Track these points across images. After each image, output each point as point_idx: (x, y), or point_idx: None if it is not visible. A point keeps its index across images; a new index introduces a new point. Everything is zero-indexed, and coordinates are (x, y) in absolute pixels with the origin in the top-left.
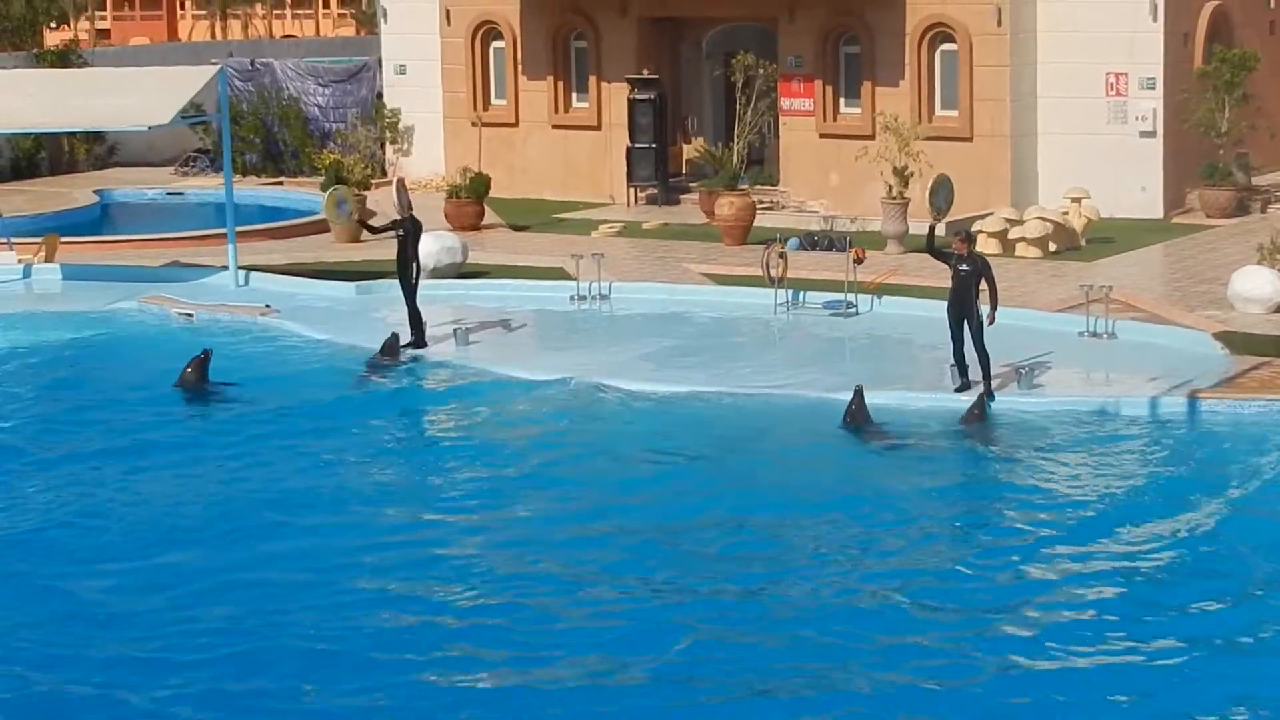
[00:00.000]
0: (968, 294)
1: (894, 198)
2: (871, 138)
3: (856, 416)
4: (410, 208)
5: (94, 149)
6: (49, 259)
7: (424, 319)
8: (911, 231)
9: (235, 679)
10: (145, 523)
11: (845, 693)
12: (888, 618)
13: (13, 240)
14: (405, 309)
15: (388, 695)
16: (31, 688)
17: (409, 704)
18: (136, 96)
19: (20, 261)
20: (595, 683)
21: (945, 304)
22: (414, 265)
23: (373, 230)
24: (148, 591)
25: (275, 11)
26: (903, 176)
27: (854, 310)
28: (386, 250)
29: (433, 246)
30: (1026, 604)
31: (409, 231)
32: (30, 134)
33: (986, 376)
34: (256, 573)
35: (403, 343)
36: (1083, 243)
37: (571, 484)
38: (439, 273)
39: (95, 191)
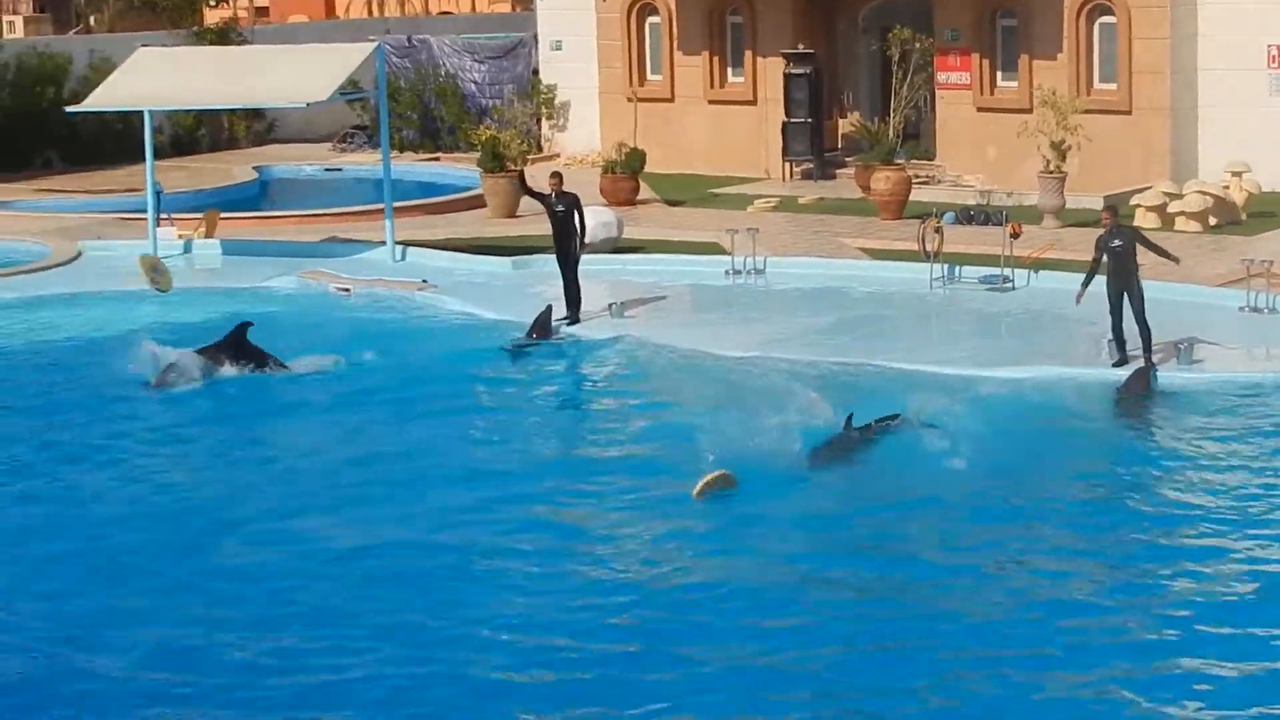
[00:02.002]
0: (1125, 268)
1: (1051, 172)
2: (1029, 111)
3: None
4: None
5: (253, 126)
6: (209, 234)
7: (581, 294)
8: (1069, 206)
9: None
10: (306, 492)
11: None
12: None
13: (173, 216)
14: (562, 284)
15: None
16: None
17: None
18: (295, 74)
19: (181, 237)
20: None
21: (1103, 279)
22: (574, 240)
23: (530, 193)
24: (337, 559)
25: None
26: (1060, 151)
27: (1010, 285)
28: (543, 225)
29: (589, 222)
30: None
31: (567, 207)
32: (191, 111)
33: (1148, 350)
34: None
35: (557, 317)
36: (1243, 217)
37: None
38: (594, 248)
39: (254, 168)
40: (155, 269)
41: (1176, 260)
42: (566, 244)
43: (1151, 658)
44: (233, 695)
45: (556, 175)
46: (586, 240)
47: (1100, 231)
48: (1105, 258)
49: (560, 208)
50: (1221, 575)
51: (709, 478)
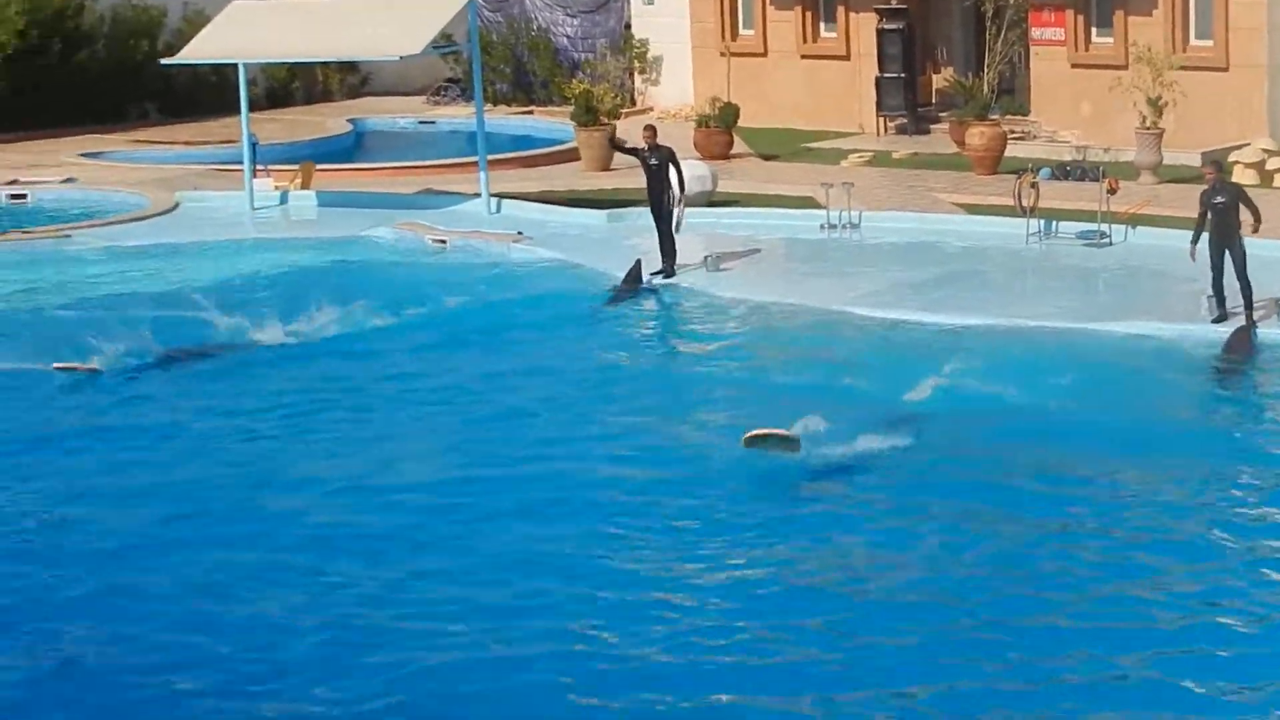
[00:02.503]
0: (1228, 225)
1: (1148, 128)
2: (1124, 68)
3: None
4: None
5: (347, 79)
6: (305, 186)
7: (676, 247)
8: (1165, 162)
9: None
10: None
11: None
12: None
13: (269, 167)
14: (657, 237)
15: None
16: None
17: None
18: (388, 27)
19: (277, 188)
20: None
21: (1206, 235)
22: (668, 193)
23: (623, 150)
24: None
25: None
26: (1156, 107)
27: (1107, 241)
28: (638, 179)
29: (684, 175)
30: None
31: (660, 160)
32: (285, 64)
33: (1249, 307)
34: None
35: (652, 270)
36: None
37: (832, 414)
38: (689, 201)
39: (349, 120)
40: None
41: (1256, 227)
42: (660, 197)
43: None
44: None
45: (650, 128)
46: (683, 194)
47: (1204, 187)
48: (1208, 214)
49: (654, 161)
50: None
51: (767, 433)
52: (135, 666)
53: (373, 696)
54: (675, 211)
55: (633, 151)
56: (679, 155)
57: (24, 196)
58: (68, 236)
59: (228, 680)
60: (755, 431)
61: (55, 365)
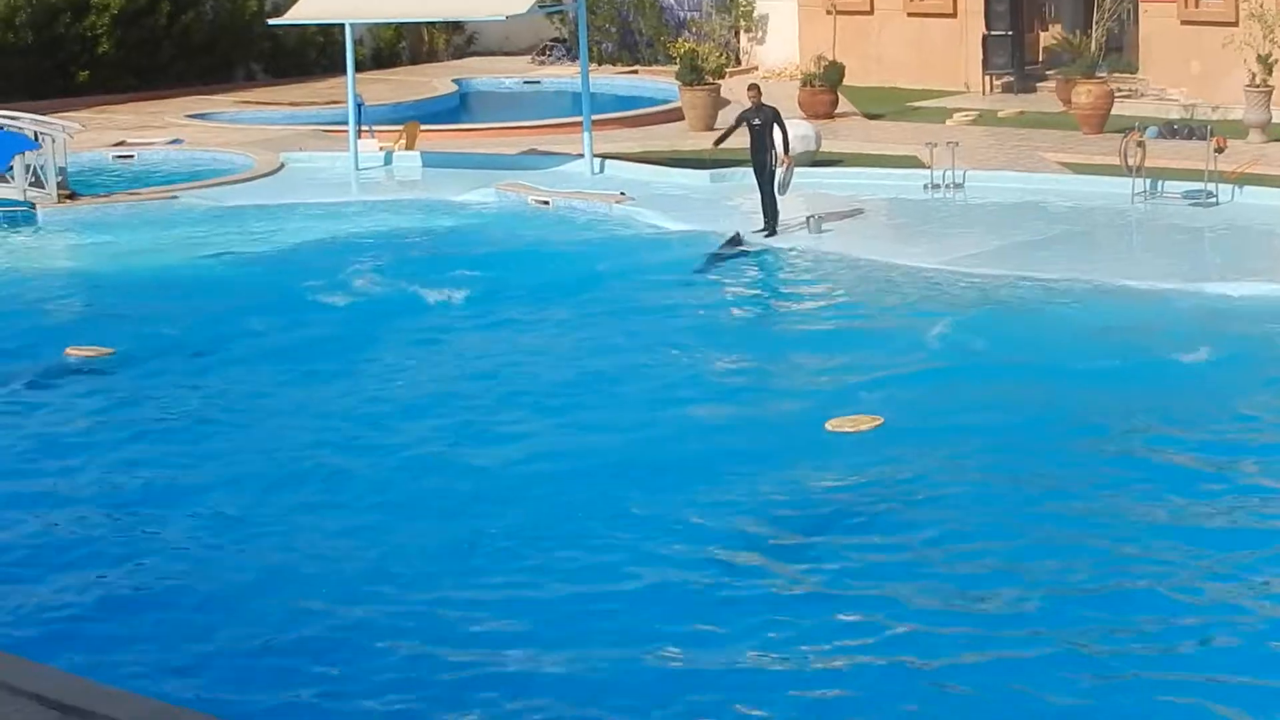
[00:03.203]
0: None
1: (1258, 86)
2: (1235, 25)
3: None
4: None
5: (453, 39)
6: (409, 146)
7: (779, 208)
8: (1275, 120)
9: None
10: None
11: None
12: None
13: (374, 128)
14: (760, 196)
15: None
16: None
17: None
18: None
19: (382, 149)
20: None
21: None
22: (770, 154)
23: (725, 137)
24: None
25: None
26: (1267, 64)
27: (1214, 200)
28: (742, 138)
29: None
30: None
31: (764, 120)
32: (391, 24)
33: None
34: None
35: (755, 230)
36: None
37: (938, 375)
38: (796, 160)
39: (454, 80)
40: None
41: None
42: (763, 157)
43: None
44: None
45: (754, 87)
46: (788, 154)
47: None
48: None
49: (757, 121)
50: None
51: (855, 422)
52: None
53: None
54: (779, 172)
55: (738, 124)
56: (784, 115)
57: (130, 157)
58: (175, 198)
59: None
60: (846, 421)
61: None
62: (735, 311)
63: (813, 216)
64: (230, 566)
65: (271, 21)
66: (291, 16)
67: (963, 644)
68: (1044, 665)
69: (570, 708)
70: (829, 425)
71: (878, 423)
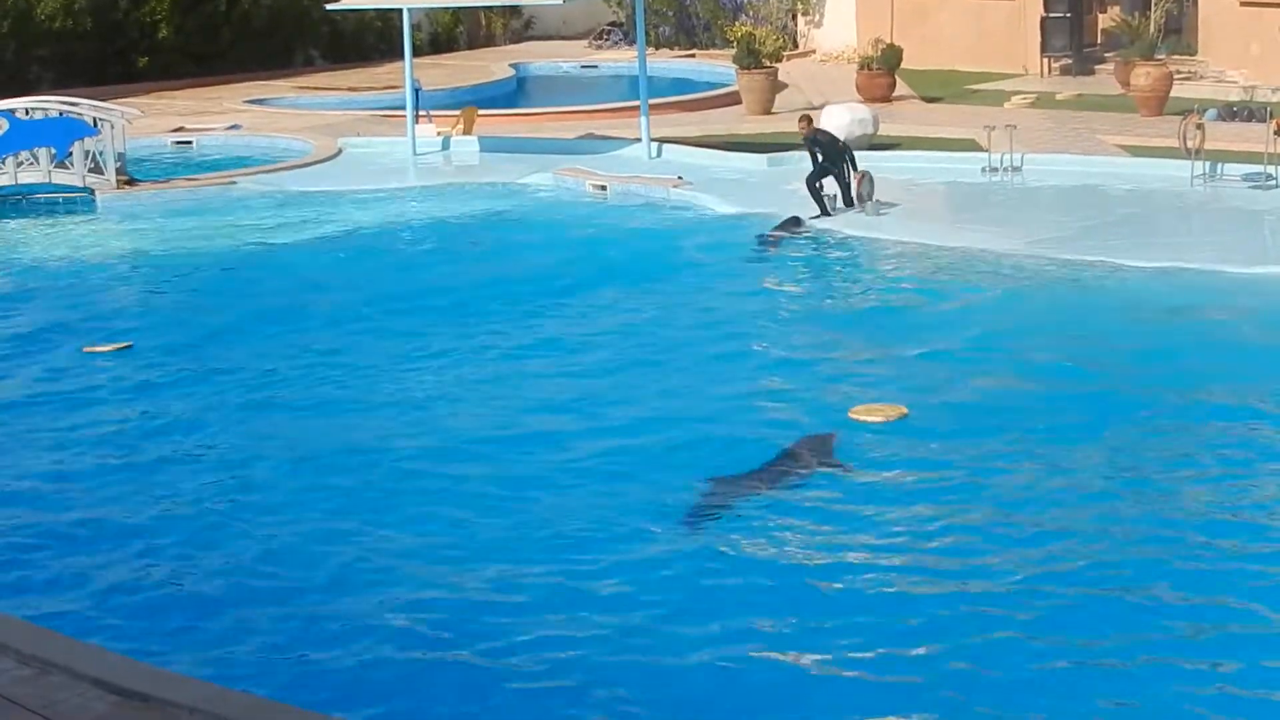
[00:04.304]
0: None
1: None
2: None
3: None
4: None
5: (510, 23)
6: (467, 131)
7: (822, 192)
8: None
9: None
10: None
11: None
12: None
13: (432, 113)
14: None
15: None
16: None
17: None
18: None
19: (439, 134)
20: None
21: None
22: (845, 166)
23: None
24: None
25: None
26: None
27: (1274, 183)
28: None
29: (844, 118)
30: None
31: (825, 153)
32: (449, 9)
33: None
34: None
35: (810, 216)
36: None
37: (996, 361)
38: (851, 144)
39: (511, 65)
40: None
41: None
42: (827, 170)
43: None
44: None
45: (805, 118)
46: (855, 175)
47: None
48: None
49: (819, 155)
50: None
51: (881, 411)
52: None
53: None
54: (855, 187)
55: (817, 182)
56: (841, 99)
57: (189, 143)
58: (233, 183)
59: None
60: (862, 411)
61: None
62: (789, 295)
63: (870, 200)
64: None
65: (330, 6)
66: (350, 2)
67: (989, 640)
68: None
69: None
70: (853, 413)
71: (902, 412)
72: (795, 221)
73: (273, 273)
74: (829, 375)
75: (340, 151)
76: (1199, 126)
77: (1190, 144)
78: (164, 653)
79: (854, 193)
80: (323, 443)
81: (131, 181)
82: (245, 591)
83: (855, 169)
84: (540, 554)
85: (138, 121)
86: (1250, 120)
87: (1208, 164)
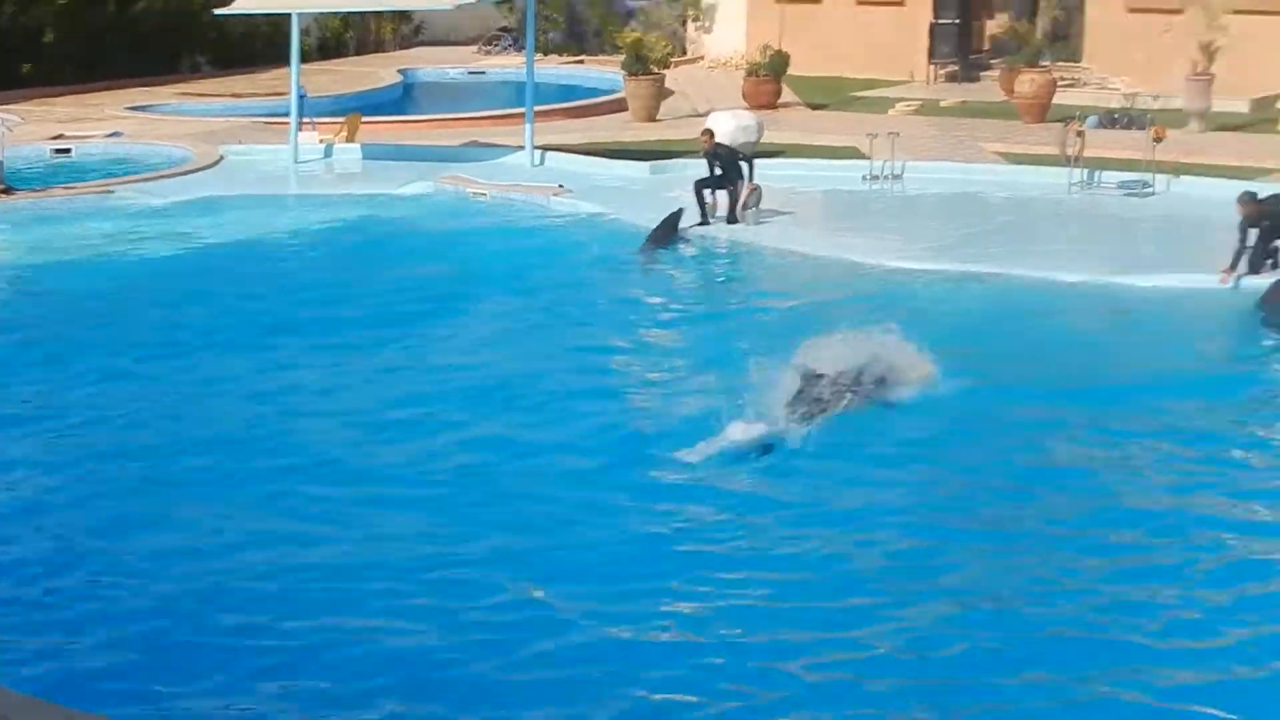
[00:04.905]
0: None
1: (1198, 74)
2: (1179, 13)
3: (1274, 297)
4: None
5: (400, 28)
6: (350, 138)
7: (707, 201)
8: (1216, 109)
9: None
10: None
11: None
12: None
13: (315, 120)
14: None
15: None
16: None
17: None
18: None
19: (322, 142)
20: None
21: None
22: (740, 182)
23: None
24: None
25: None
26: (1208, 52)
27: (1151, 190)
28: (685, 130)
29: (729, 125)
30: None
31: (725, 163)
32: (338, 14)
33: None
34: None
35: (692, 222)
36: None
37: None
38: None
39: (399, 71)
40: None
41: None
42: (722, 182)
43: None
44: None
45: (706, 132)
46: (747, 187)
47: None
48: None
49: (718, 168)
50: None
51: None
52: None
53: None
54: (743, 197)
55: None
56: (727, 105)
57: (68, 151)
58: (110, 192)
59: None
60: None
61: None
62: (664, 303)
63: (751, 208)
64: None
65: (218, 11)
66: (238, 6)
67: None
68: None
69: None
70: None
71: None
72: (674, 224)
73: (147, 282)
74: (700, 385)
75: (221, 159)
76: (1079, 134)
77: (1070, 151)
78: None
79: (740, 204)
80: (182, 456)
81: (8, 190)
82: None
83: (750, 179)
84: (393, 567)
85: (18, 129)
86: (1130, 127)
87: (1086, 171)
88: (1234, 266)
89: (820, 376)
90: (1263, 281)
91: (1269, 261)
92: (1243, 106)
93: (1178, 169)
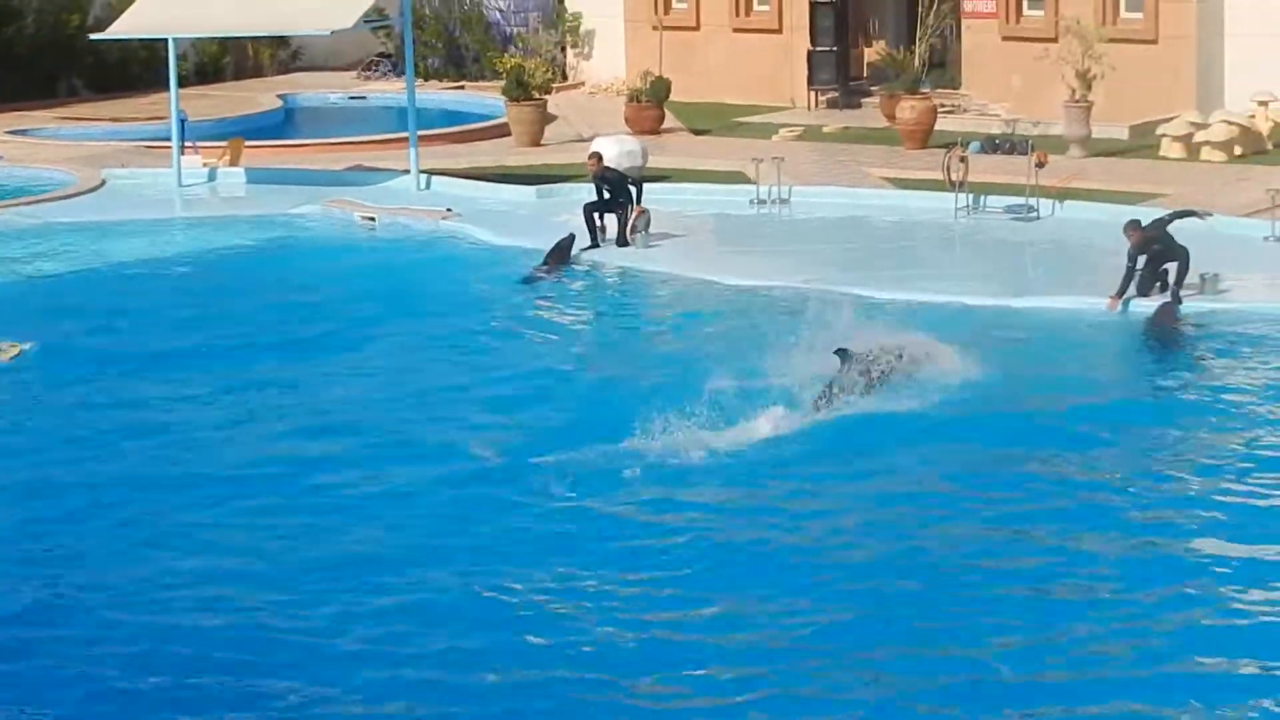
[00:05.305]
0: (1168, 259)
1: (1077, 101)
2: (1054, 40)
3: (1160, 320)
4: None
5: (278, 54)
6: (233, 163)
7: (597, 224)
8: (1094, 135)
9: None
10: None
11: None
12: None
13: (198, 144)
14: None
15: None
16: None
17: None
18: (321, 1)
19: (205, 165)
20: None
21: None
22: (629, 207)
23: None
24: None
25: None
26: (1085, 80)
27: (1035, 214)
28: (570, 154)
29: (613, 150)
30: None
31: (614, 186)
32: (215, 39)
33: (1178, 283)
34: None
35: (583, 246)
36: (1269, 146)
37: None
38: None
39: (279, 96)
40: None
41: (1201, 214)
42: (611, 206)
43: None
44: None
45: (594, 155)
46: (635, 210)
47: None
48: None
49: (606, 192)
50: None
51: None
52: None
53: None
54: (631, 220)
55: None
56: (609, 131)
57: None
58: None
59: None
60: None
61: None
62: (554, 326)
63: (640, 233)
64: None
65: (94, 36)
66: (115, 31)
67: None
68: None
69: None
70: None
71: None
72: (564, 249)
73: (32, 306)
74: (586, 407)
75: (104, 183)
76: (963, 159)
77: (954, 176)
78: None
79: (629, 227)
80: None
81: None
82: None
83: (638, 202)
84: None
85: None
86: (1012, 153)
87: (971, 196)
88: (1121, 294)
89: (865, 356)
90: (1150, 304)
91: (1157, 284)
92: (1122, 133)
93: (1061, 194)
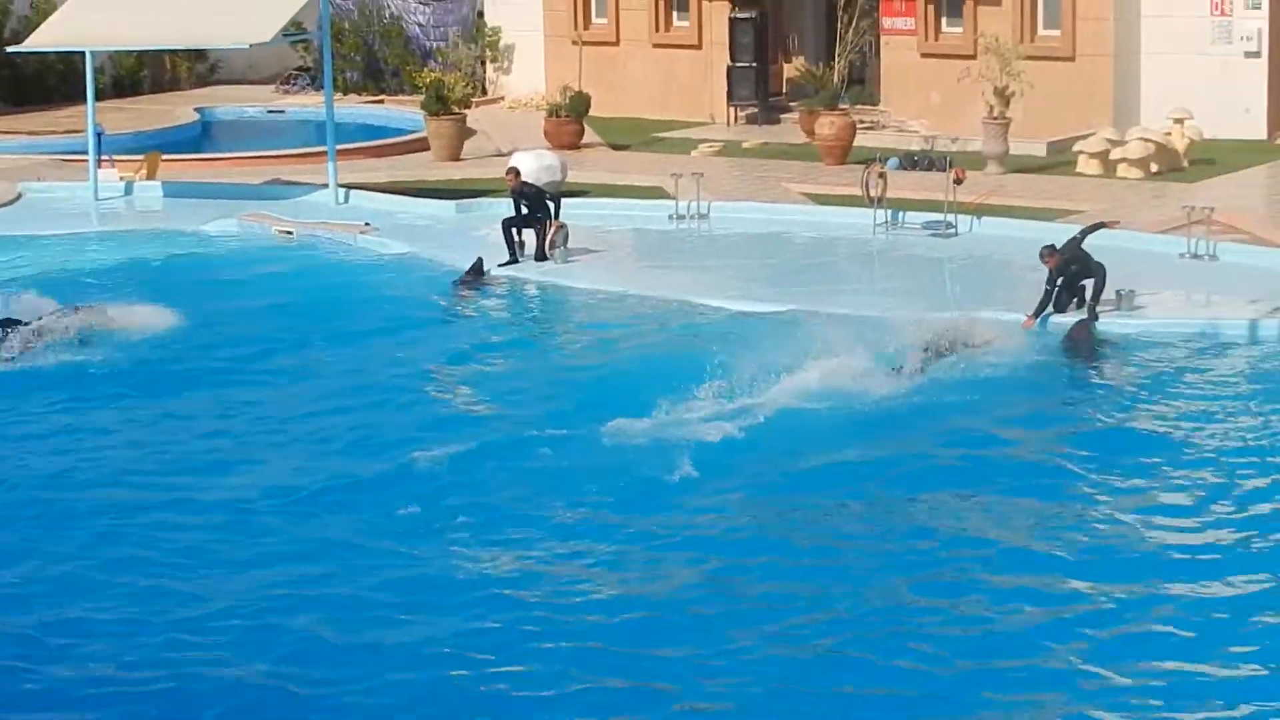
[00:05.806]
0: (1085, 276)
1: (995, 118)
2: (973, 57)
3: (1076, 336)
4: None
5: (196, 67)
6: (150, 176)
7: (516, 239)
8: (1012, 152)
9: None
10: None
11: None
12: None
13: (115, 158)
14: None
15: None
16: None
17: None
18: (238, 14)
19: (122, 179)
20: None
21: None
22: (538, 230)
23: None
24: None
25: None
26: (1004, 97)
27: (953, 231)
28: (489, 169)
29: (532, 165)
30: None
31: (532, 202)
32: (133, 51)
33: (1094, 299)
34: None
35: (501, 262)
36: (1185, 164)
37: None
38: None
39: (196, 109)
40: None
41: (1108, 224)
42: (530, 221)
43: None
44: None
45: (511, 170)
46: (553, 225)
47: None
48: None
49: (525, 206)
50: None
51: None
52: None
53: None
54: (549, 235)
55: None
56: (528, 146)
57: None
58: None
59: None
60: None
61: None
62: (472, 342)
63: (559, 248)
64: None
65: (10, 49)
66: (31, 44)
67: None
68: None
69: None
70: None
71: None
72: (480, 267)
73: None
74: (514, 420)
75: (20, 196)
76: (881, 175)
77: (873, 192)
78: None
79: (548, 242)
80: None
81: None
82: None
83: (556, 218)
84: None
85: None
86: (931, 169)
87: (890, 212)
88: (1038, 315)
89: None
90: (1067, 320)
91: (1074, 301)
92: (1040, 150)
93: (979, 210)
